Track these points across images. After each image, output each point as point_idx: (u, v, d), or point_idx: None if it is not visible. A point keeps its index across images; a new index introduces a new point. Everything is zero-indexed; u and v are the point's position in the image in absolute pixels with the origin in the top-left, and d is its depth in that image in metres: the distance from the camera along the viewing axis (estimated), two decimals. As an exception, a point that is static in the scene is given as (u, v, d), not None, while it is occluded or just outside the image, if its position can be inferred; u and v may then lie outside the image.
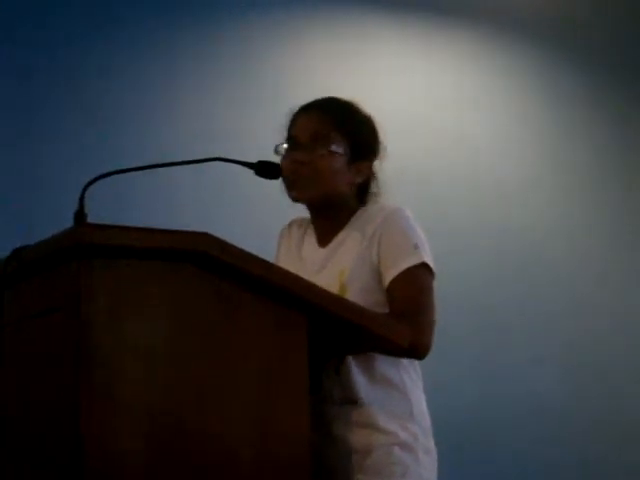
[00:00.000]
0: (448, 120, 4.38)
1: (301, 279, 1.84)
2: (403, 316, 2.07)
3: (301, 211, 2.32)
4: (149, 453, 1.67)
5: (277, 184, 2.23)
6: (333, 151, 2.21)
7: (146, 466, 1.66)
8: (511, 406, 4.24)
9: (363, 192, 2.30)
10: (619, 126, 4.74)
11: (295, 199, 2.24)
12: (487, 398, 4.20)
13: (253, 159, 2.13)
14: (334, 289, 2.11)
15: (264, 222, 3.68)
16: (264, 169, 2.12)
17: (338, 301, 1.90)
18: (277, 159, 2.23)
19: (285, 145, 2.25)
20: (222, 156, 2.07)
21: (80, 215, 1.82)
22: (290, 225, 2.38)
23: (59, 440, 1.68)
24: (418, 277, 2.13)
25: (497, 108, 4.52)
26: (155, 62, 3.91)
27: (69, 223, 1.78)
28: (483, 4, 4.51)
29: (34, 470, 1.76)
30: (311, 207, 2.29)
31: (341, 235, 2.24)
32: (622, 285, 4.62)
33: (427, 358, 2.19)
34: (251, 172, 2.12)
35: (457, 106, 4.42)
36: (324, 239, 2.28)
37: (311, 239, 2.31)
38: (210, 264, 1.71)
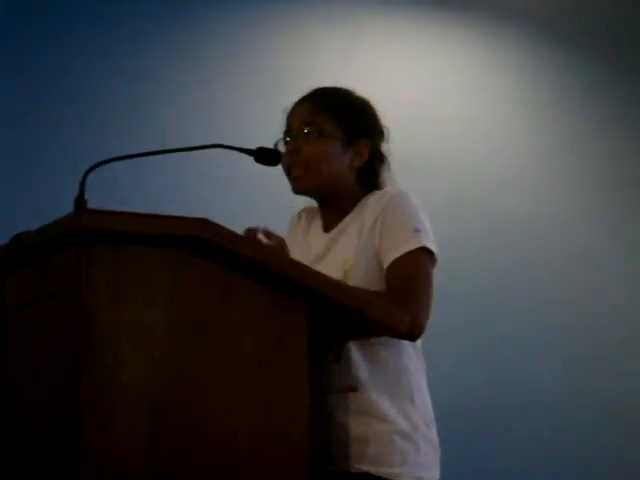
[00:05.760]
0: (452, 106, 4.39)
1: (298, 263, 1.86)
2: (398, 298, 2.06)
3: (302, 197, 2.33)
4: (149, 436, 1.68)
5: (277, 171, 2.24)
6: (323, 135, 2.21)
7: (146, 447, 1.68)
8: (512, 394, 4.24)
9: (369, 176, 2.28)
10: (622, 110, 4.74)
11: (296, 191, 2.26)
12: (487, 387, 4.20)
13: (253, 146, 2.14)
14: (337, 276, 2.10)
15: (264, 209, 3.70)
16: (264, 156, 2.12)
17: (334, 285, 1.90)
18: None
19: (282, 141, 2.26)
20: (222, 143, 2.08)
21: (80, 201, 1.83)
22: (300, 213, 2.39)
23: (59, 424, 1.70)
24: (416, 261, 2.12)
25: (500, 96, 4.52)
26: (156, 50, 3.91)
27: (69, 209, 1.79)
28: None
29: (35, 448, 1.77)
30: (315, 197, 2.30)
31: (344, 222, 2.24)
32: (623, 273, 4.62)
33: (427, 346, 2.20)
34: (251, 159, 2.13)
35: (461, 93, 4.43)
36: (329, 225, 2.28)
37: (318, 226, 2.32)
38: (207, 249, 1.72)
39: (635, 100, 4.74)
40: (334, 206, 2.26)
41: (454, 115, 4.37)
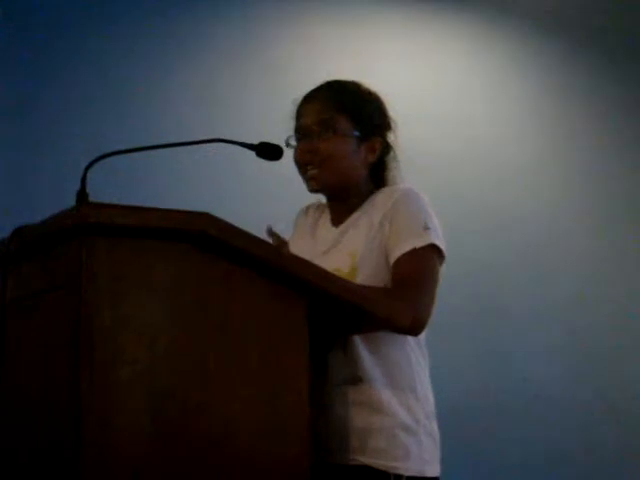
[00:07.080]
0: (452, 105, 4.39)
1: (300, 259, 1.86)
2: (401, 293, 2.06)
3: (304, 191, 2.33)
4: (150, 430, 1.68)
5: (278, 166, 2.24)
6: (340, 134, 2.21)
7: (147, 443, 1.67)
8: (513, 393, 4.25)
9: (380, 170, 2.29)
10: (622, 110, 4.74)
11: (313, 190, 2.25)
12: (488, 384, 4.20)
13: (255, 141, 2.13)
14: (345, 270, 2.12)
15: (266, 203, 3.71)
16: (266, 150, 2.11)
17: (335, 280, 1.90)
18: (290, 151, 2.24)
19: (294, 136, 2.26)
20: (223, 137, 2.08)
21: (82, 195, 1.82)
22: (307, 208, 2.39)
23: (59, 418, 1.69)
24: (424, 257, 2.11)
25: (501, 94, 4.52)
26: (156, 44, 3.91)
27: (71, 203, 1.79)
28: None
29: (35, 443, 1.77)
30: (330, 194, 2.30)
31: (354, 217, 2.24)
32: (624, 271, 4.63)
33: (428, 343, 2.20)
34: (252, 154, 2.13)
35: (460, 91, 4.43)
36: (338, 220, 2.28)
37: (326, 220, 2.32)
38: (209, 244, 1.72)
39: (638, 99, 4.74)
40: (345, 201, 2.27)
41: (454, 113, 4.37)
